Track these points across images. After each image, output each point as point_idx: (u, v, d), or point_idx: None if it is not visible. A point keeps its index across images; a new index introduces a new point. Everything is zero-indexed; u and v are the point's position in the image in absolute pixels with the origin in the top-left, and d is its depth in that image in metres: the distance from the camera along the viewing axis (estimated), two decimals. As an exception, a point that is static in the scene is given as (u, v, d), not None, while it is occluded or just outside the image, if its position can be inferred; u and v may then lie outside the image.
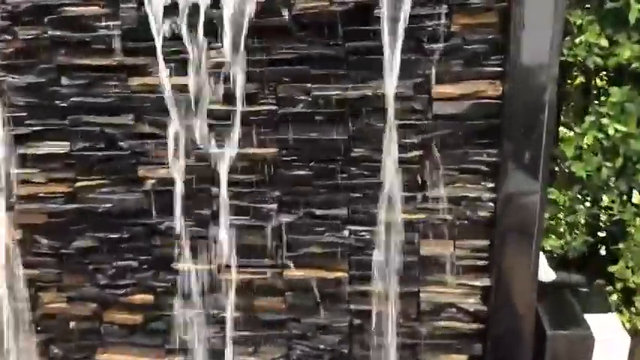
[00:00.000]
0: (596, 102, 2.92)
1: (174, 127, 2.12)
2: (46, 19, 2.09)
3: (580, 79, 3.10)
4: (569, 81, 3.15)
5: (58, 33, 2.10)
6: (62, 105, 2.20)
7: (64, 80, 2.17)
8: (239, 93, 2.03)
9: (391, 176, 2.11)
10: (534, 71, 1.92)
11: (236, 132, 2.09)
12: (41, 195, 2.33)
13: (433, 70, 2.01)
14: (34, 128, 2.25)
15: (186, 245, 2.28)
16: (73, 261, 2.42)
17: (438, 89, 2.03)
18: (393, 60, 1.94)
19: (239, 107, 2.05)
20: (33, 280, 2.47)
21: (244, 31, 1.94)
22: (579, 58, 2.40)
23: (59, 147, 2.26)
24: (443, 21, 1.95)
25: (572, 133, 2.64)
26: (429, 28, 1.96)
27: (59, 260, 2.43)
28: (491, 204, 2.14)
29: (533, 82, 1.93)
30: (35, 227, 2.38)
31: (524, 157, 2.03)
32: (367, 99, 2.06)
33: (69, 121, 2.22)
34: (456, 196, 2.15)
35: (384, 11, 1.89)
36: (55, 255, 2.42)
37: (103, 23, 2.07)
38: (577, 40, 2.38)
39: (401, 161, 2.11)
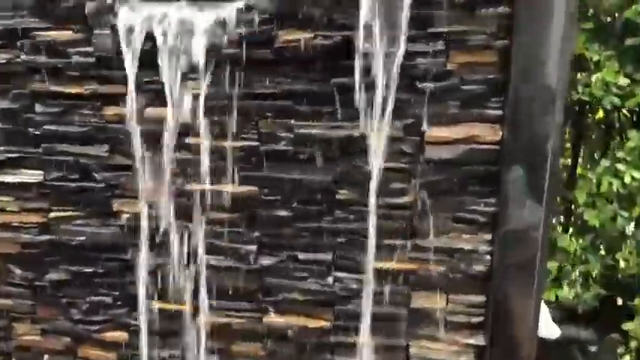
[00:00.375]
0: (618, 138, 2.71)
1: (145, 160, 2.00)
2: (18, 44, 1.98)
3: (601, 113, 2.89)
4: (590, 114, 2.94)
5: (31, 58, 2.00)
6: (36, 133, 2.09)
7: (38, 107, 2.07)
8: (202, 127, 1.90)
9: (378, 222, 1.94)
10: (537, 116, 1.74)
11: (205, 167, 1.95)
12: (14, 224, 2.23)
13: (426, 111, 1.84)
14: (9, 155, 2.15)
15: (159, 284, 2.15)
16: (46, 293, 2.31)
17: (431, 132, 1.85)
18: (377, 99, 1.78)
19: (204, 142, 1.91)
20: (7, 311, 2.37)
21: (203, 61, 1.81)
22: (595, 97, 2.19)
23: (33, 176, 2.16)
24: (438, 59, 1.78)
25: (587, 174, 2.42)
26: (423, 66, 1.79)
27: (33, 292, 2.32)
28: (487, 257, 1.95)
29: (536, 128, 1.75)
30: (9, 257, 2.28)
31: (524, 208, 1.84)
32: (354, 138, 1.89)
33: (43, 150, 2.12)
34: (450, 247, 1.97)
35: (364, 46, 1.73)
36: (28, 286, 2.31)
37: (77, 49, 1.95)
38: (593, 78, 2.17)
39: (390, 207, 1.95)
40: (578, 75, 2.35)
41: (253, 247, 2.08)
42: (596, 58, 2.16)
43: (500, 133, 1.81)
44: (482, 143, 1.83)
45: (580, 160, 3.12)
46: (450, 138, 1.84)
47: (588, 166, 2.84)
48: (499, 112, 1.80)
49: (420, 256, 2.00)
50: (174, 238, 2.09)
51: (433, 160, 1.88)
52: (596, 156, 2.83)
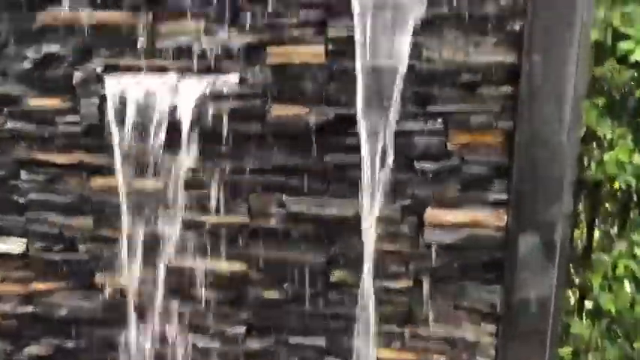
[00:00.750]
0: (635, 213, 2.57)
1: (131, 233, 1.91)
2: (6, 110, 1.93)
3: (617, 185, 2.75)
4: (608, 185, 2.80)
5: (18, 125, 1.94)
6: (21, 201, 2.02)
7: (24, 175, 2.00)
8: (185, 200, 1.81)
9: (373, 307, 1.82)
10: (543, 203, 1.62)
11: (192, 242, 1.87)
12: (-5, 294, 2.14)
13: (426, 193, 1.73)
14: (-8, 223, 2.08)
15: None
16: (26, 367, 2.19)
17: (431, 214, 1.74)
18: (373, 178, 1.68)
19: (178, 217, 1.82)
20: (-16, 383, 2.26)
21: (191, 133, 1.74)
22: (609, 176, 2.07)
23: (17, 245, 2.07)
24: (438, 138, 1.68)
25: (602, 255, 2.27)
26: (421, 145, 1.69)
27: (12, 365, 2.21)
28: (491, 351, 1.80)
29: (543, 217, 1.62)
30: (-12, 327, 2.18)
31: (530, 299, 1.70)
32: (348, 218, 1.78)
33: (27, 219, 2.04)
34: (452, 336, 1.83)
35: (362, 123, 1.64)
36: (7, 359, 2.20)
37: (64, 118, 1.90)
38: (606, 156, 2.05)
39: (387, 291, 1.82)
40: (590, 150, 2.23)
41: (241, 329, 1.96)
42: (609, 135, 2.05)
43: (505, 218, 1.69)
44: (485, 228, 1.71)
45: (595, 227, 2.97)
46: (451, 221, 1.72)
47: (604, 241, 2.69)
48: (503, 196, 1.69)
49: (419, 345, 1.86)
50: (158, 316, 1.97)
51: (433, 244, 1.75)
52: (612, 233, 2.69)
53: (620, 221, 2.82)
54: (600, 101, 2.08)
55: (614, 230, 2.71)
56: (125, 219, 1.90)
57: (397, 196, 1.74)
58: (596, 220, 2.89)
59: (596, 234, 2.89)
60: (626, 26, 1.99)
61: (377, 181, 1.70)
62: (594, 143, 2.27)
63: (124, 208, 1.88)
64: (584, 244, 2.90)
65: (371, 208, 1.72)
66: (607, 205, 2.95)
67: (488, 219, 1.71)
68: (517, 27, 1.58)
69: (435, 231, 1.74)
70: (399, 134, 1.67)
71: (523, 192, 1.64)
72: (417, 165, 1.71)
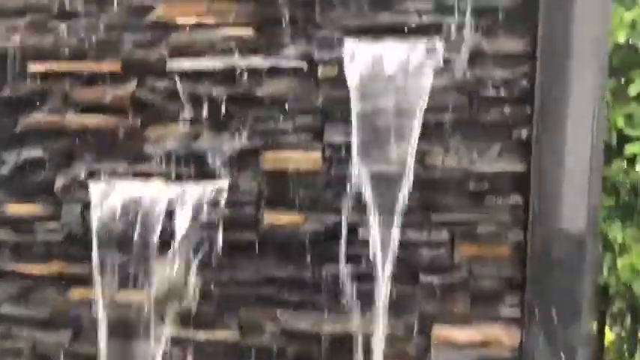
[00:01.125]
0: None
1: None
2: (-17, 218, 1.82)
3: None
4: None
5: (-6, 233, 1.82)
6: (-9, 314, 1.87)
7: (-3, 286, 1.86)
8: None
9: None
10: (560, 325, 1.49)
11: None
12: (-43, 416, 1.94)
13: (432, 308, 1.60)
14: (-39, 337, 1.91)
15: None
16: None
17: (439, 332, 1.60)
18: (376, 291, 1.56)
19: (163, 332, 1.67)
20: None
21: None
22: (623, 283, 1.95)
23: (-15, 362, 1.90)
24: (444, 250, 1.58)
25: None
26: (426, 257, 1.58)
27: None
28: None
29: (560, 338, 1.49)
30: None
31: None
32: (348, 335, 1.64)
33: (-3, 334, 1.88)
34: None
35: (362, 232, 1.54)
36: None
37: (43, 225, 1.79)
38: (619, 262, 1.94)
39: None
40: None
41: None
42: (620, 238, 1.95)
43: (518, 336, 1.55)
44: (497, 348, 1.57)
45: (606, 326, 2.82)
46: (460, 340, 1.59)
47: (620, 343, 2.54)
48: (516, 313, 1.56)
49: None
50: None
51: (441, 365, 1.61)
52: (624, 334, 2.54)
53: (632, 321, 2.68)
54: (609, 203, 2.00)
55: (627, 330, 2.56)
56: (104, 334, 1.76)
57: (402, 311, 1.61)
58: (607, 319, 2.75)
59: (609, 336, 2.74)
60: (630, 128, 1.94)
61: (380, 294, 1.57)
62: (604, 245, 2.16)
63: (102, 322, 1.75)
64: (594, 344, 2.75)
65: (374, 324, 1.59)
66: (617, 304, 2.82)
67: (501, 337, 1.57)
68: (524, 134, 1.52)
69: (443, 351, 1.60)
70: (402, 245, 1.56)
71: (537, 308, 1.51)
72: (423, 278, 1.60)
